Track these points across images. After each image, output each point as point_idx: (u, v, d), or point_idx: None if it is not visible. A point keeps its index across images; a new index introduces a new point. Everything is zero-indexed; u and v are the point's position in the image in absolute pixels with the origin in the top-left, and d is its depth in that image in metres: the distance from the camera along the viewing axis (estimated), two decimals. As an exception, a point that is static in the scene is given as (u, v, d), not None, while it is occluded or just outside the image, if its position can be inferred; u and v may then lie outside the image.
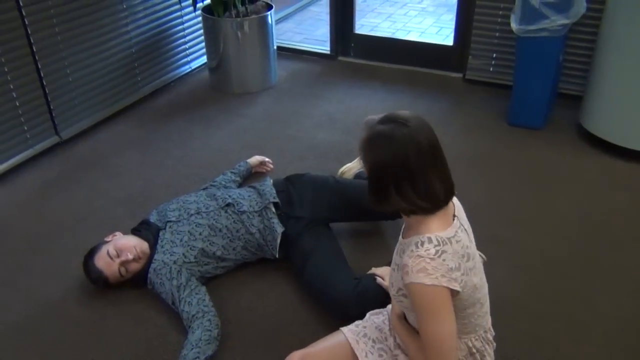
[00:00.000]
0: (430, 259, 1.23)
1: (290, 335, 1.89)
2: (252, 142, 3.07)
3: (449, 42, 3.87)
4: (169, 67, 3.71)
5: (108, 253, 1.98)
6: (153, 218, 2.17)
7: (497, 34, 3.45)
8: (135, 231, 2.10)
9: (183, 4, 3.67)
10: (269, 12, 3.55)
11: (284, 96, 3.61)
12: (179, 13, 3.68)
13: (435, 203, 1.26)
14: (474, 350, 1.41)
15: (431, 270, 1.23)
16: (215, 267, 2.06)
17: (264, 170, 2.77)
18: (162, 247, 2.02)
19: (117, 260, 1.97)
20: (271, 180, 2.24)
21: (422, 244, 1.25)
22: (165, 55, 3.64)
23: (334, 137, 3.11)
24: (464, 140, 3.03)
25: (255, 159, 2.73)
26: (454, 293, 1.26)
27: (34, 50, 2.76)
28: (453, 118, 3.28)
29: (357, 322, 1.62)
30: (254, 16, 3.50)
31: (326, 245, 2.05)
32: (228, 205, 2.10)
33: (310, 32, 4.79)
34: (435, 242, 1.25)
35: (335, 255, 2.03)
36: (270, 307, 2.01)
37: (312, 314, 1.97)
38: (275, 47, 3.71)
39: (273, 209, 2.09)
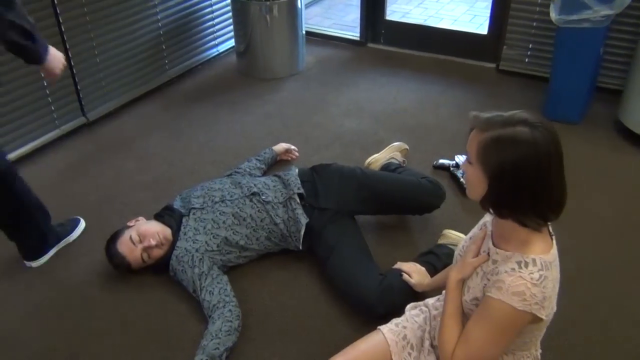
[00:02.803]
0: (532, 284, 1.16)
1: (312, 328, 1.85)
2: (278, 129, 3.02)
3: (483, 30, 3.74)
4: (197, 50, 3.67)
5: (131, 238, 1.96)
6: (177, 204, 2.14)
7: (534, 24, 3.32)
8: (158, 217, 2.08)
9: (212, -14, 3.63)
10: (298, -4, 3.48)
11: (311, 82, 3.55)
12: (208, -5, 3.63)
13: (559, 214, 1.20)
14: None
15: (528, 297, 1.16)
16: (238, 257, 2.03)
17: (289, 158, 2.72)
18: (185, 234, 2.00)
19: (140, 246, 1.95)
20: (297, 170, 2.19)
21: (526, 265, 1.19)
22: (193, 38, 3.60)
23: (362, 126, 3.04)
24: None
25: (280, 147, 2.68)
26: (535, 319, 1.20)
27: (63, 30, 2.74)
28: (486, 110, 3.16)
29: (396, 321, 1.56)
30: (283, 0, 3.43)
31: (351, 239, 2.00)
32: (253, 194, 2.06)
33: (340, 17, 4.70)
34: (539, 266, 1.18)
35: (360, 249, 1.98)
36: (292, 299, 1.97)
37: (335, 308, 1.92)
38: (303, 32, 3.64)
39: (297, 200, 2.05)
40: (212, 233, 1.98)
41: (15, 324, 1.90)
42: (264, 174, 2.52)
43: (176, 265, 1.95)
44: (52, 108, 2.82)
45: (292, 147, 2.72)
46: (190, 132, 3.00)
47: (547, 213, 1.19)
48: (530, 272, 1.17)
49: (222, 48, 3.90)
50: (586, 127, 2.97)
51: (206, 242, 1.96)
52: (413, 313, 1.59)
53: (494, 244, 1.29)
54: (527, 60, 3.47)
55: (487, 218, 1.40)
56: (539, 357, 1.43)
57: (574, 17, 2.71)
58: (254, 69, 3.63)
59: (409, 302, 1.82)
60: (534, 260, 1.18)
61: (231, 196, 2.07)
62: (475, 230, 1.44)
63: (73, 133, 2.96)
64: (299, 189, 2.06)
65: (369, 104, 3.27)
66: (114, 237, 2.00)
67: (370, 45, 4.06)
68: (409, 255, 2.07)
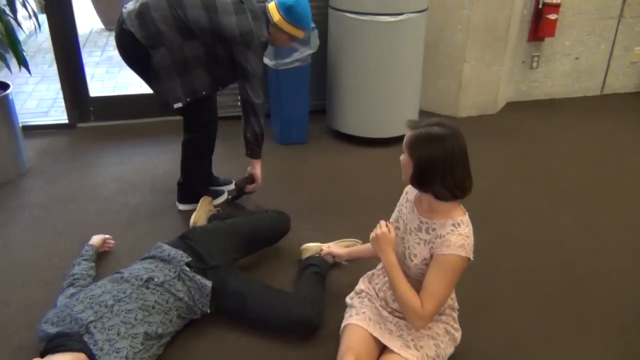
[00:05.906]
0: (467, 236, 1.65)
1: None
2: (64, 229, 2.76)
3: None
4: None
5: (47, 385, 1.66)
6: (54, 329, 1.89)
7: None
8: (57, 348, 1.78)
9: None
10: (8, 92, 3.17)
11: (53, 176, 3.28)
12: None
13: (464, 192, 1.65)
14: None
15: (467, 246, 1.64)
16: (158, 347, 1.95)
17: (108, 248, 2.58)
18: (101, 349, 1.80)
19: (62, 387, 1.68)
20: (164, 244, 2.19)
21: (459, 225, 1.65)
22: None
23: (147, 198, 3.05)
24: (264, 165, 3.37)
25: (97, 239, 2.53)
26: (468, 261, 1.68)
27: None
28: (236, 151, 3.57)
29: (353, 312, 1.87)
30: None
31: (253, 280, 2.19)
32: (147, 280, 2.00)
33: (19, 105, 4.31)
34: (466, 223, 1.67)
35: (265, 284, 2.18)
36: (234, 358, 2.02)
37: (274, 344, 2.05)
38: (20, 126, 3.32)
39: (187, 269, 2.09)
40: (129, 334, 1.85)
41: None
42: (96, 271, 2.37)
43: (109, 385, 1.76)
44: None
45: (107, 236, 2.59)
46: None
47: (454, 190, 1.63)
48: (464, 229, 1.67)
49: None
50: (313, 142, 3.72)
51: (130, 346, 1.83)
52: (358, 301, 1.94)
53: (424, 217, 1.75)
54: (238, 104, 4.02)
55: (403, 204, 1.87)
56: None
57: (287, 60, 3.40)
58: (-29, 181, 3.11)
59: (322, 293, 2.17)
60: (462, 221, 1.69)
61: (124, 292, 1.96)
62: (395, 214, 1.91)
63: None
64: (187, 257, 2.11)
65: (134, 177, 3.27)
66: (20, 394, 1.65)
67: (81, 125, 3.94)
68: (292, 277, 2.37)
